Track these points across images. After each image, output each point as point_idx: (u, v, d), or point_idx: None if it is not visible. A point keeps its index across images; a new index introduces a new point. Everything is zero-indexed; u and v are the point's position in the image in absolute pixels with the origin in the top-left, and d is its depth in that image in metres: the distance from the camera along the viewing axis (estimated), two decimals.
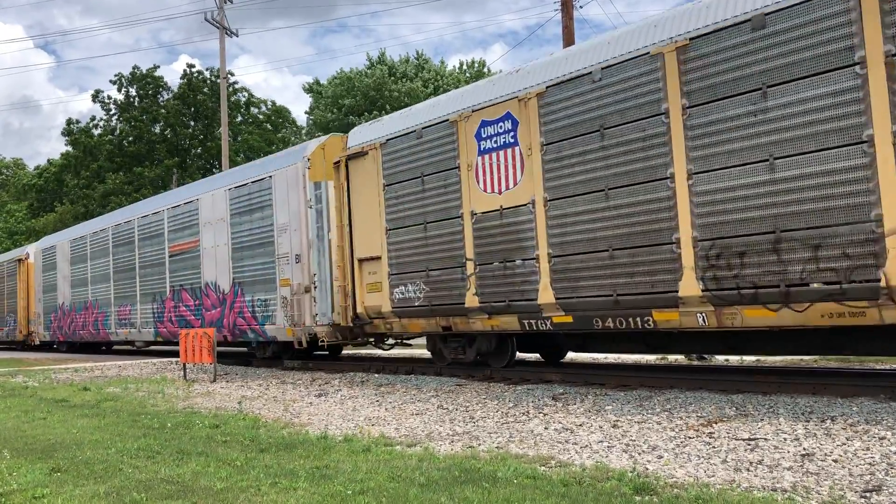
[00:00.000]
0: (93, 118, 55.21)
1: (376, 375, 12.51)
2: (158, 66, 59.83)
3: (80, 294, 23.49)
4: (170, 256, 18.46)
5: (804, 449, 5.59)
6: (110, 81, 60.55)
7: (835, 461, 5.20)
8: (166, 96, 53.67)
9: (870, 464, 5.07)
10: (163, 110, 52.20)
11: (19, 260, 28.66)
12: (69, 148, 54.88)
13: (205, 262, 16.98)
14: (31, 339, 27.85)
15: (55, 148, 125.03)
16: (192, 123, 53.16)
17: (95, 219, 25.97)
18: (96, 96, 53.99)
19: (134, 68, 53.79)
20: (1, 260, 31.38)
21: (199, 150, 53.30)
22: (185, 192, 19.23)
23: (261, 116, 55.40)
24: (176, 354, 18.29)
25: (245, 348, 17.85)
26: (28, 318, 27.97)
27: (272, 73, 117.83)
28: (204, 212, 17.06)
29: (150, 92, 53.36)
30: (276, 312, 14.53)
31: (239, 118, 52.83)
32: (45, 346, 27.74)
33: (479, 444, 6.42)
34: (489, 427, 7.26)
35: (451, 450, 6.26)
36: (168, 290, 18.44)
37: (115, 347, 26.06)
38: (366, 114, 40.13)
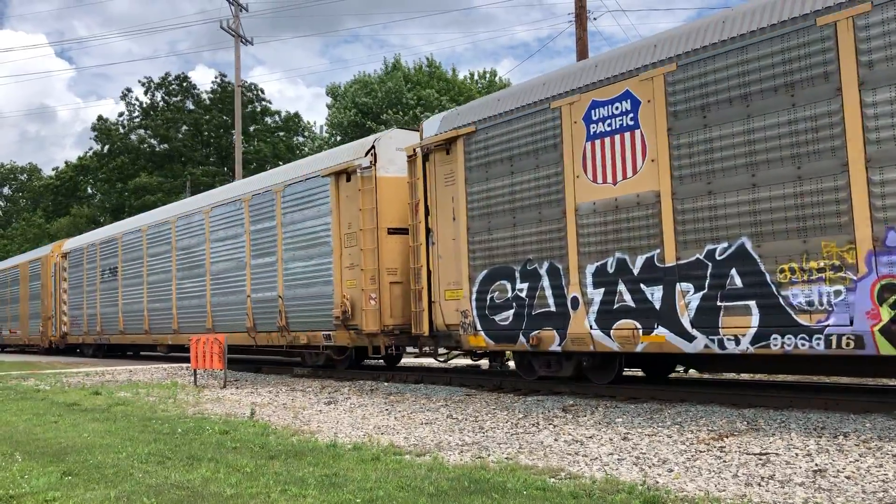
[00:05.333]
0: (121, 114, 56.27)
1: (385, 384, 12.51)
2: (188, 77, 59.80)
3: None
4: None
5: (816, 465, 5.54)
6: (139, 82, 61.19)
7: (847, 478, 5.16)
8: (190, 105, 54.49)
9: (883, 481, 5.03)
10: (193, 114, 52.92)
11: None
12: (94, 144, 55.88)
13: None
14: None
15: (70, 155, 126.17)
16: (210, 132, 53.72)
17: None
18: (125, 96, 55.21)
19: (165, 74, 54.89)
20: None
21: (212, 158, 53.78)
22: None
23: (272, 125, 55.87)
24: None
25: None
26: None
27: (286, 84, 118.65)
28: None
29: (177, 98, 54.20)
30: None
31: (252, 128, 53.26)
32: None
33: (489, 455, 6.41)
34: (499, 437, 7.24)
35: (461, 460, 6.25)
36: None
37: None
38: (388, 112, 40.18)
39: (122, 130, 54.94)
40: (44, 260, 28.02)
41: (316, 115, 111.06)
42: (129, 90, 56.47)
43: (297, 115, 57.13)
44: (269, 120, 56.00)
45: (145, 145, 53.63)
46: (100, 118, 56.39)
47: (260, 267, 15.44)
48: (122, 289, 21.71)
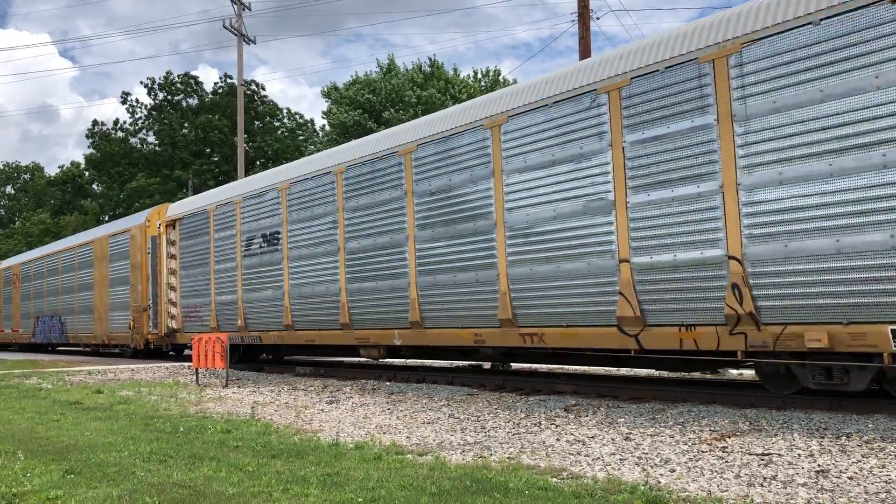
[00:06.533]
0: (115, 122, 56.27)
1: (388, 383, 12.51)
2: (196, 76, 59.63)
3: None
4: None
5: (819, 465, 5.54)
6: (142, 83, 61.02)
7: (850, 478, 5.15)
8: (192, 101, 54.64)
9: (886, 482, 5.02)
10: (199, 115, 53.06)
11: None
12: (91, 150, 56.02)
13: None
14: None
15: (73, 154, 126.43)
16: (214, 130, 53.91)
17: None
18: (125, 100, 55.20)
19: (168, 73, 54.97)
20: None
21: (216, 158, 53.92)
22: None
23: (277, 124, 56.13)
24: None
25: None
26: None
27: (289, 84, 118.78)
28: None
29: (180, 96, 54.33)
30: None
31: (256, 126, 53.43)
32: None
33: (491, 455, 6.41)
34: (501, 437, 7.24)
35: (463, 459, 6.25)
36: None
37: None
38: (389, 110, 40.22)
39: (121, 134, 55.04)
40: (134, 232, 21.17)
41: (318, 114, 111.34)
42: (127, 94, 56.41)
43: (311, 121, 57.96)
44: (272, 118, 56.20)
45: (146, 148, 53.80)
46: (95, 122, 56.69)
47: (651, 207, 8.73)
48: (288, 263, 14.52)
